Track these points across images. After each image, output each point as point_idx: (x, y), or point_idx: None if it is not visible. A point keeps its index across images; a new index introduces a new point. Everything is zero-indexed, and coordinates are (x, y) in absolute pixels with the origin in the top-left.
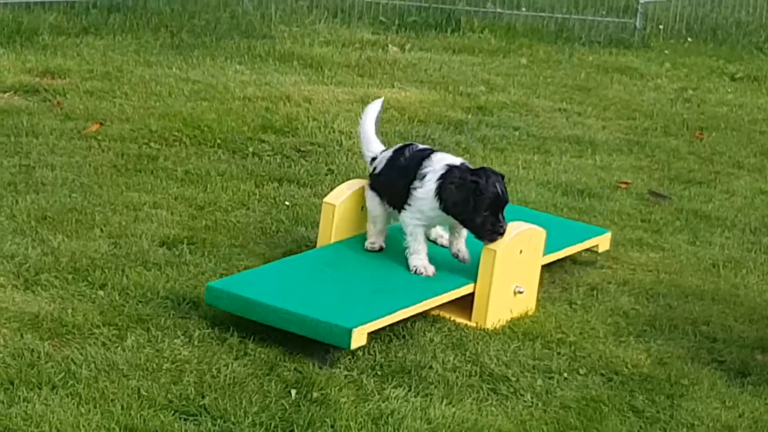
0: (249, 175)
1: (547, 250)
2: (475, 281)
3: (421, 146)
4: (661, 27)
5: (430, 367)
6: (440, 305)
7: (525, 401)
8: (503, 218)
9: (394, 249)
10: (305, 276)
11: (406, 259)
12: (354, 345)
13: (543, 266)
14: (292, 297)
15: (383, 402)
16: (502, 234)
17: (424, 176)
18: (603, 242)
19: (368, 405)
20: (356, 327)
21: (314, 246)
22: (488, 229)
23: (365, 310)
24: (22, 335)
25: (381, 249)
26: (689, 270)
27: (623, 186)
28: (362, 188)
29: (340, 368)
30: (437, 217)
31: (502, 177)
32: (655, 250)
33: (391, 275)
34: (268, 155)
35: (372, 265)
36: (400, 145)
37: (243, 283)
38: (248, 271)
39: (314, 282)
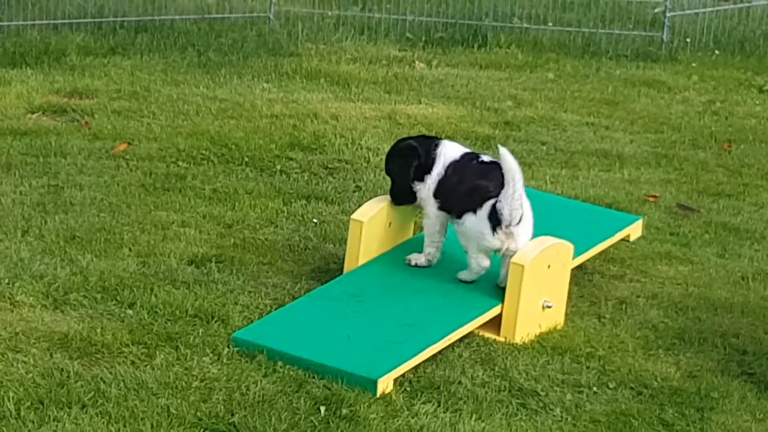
0: (277, 193)
1: (579, 247)
2: (502, 302)
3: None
4: (688, 40)
5: (459, 382)
6: None
7: (554, 416)
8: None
9: (418, 270)
10: (330, 314)
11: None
12: (380, 392)
13: (573, 272)
14: (318, 345)
15: (412, 418)
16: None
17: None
18: (635, 230)
19: (397, 421)
20: (381, 377)
21: (342, 263)
22: None
23: (391, 356)
24: (51, 355)
25: None
26: (718, 283)
27: (651, 199)
28: (390, 205)
29: None
30: None
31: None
32: (683, 263)
33: (418, 303)
34: (296, 173)
35: (398, 292)
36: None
37: (267, 332)
38: (273, 315)
39: (339, 321)
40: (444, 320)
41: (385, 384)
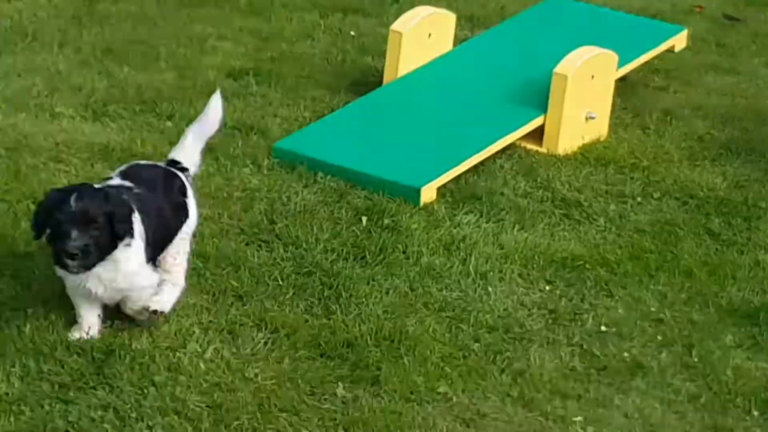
0: (313, 6)
1: (623, 58)
2: (545, 113)
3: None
4: None
5: (501, 193)
6: None
7: (598, 225)
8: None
9: (461, 77)
10: (371, 124)
11: None
12: (423, 202)
13: (617, 83)
14: (361, 154)
15: (454, 228)
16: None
17: None
18: (679, 41)
19: (439, 231)
20: (425, 185)
21: (381, 75)
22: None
23: (433, 165)
24: (92, 165)
25: None
26: (766, 93)
27: (697, 9)
28: (431, 15)
29: None
30: None
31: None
32: (730, 73)
33: (460, 114)
34: None
35: (439, 104)
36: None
37: (310, 141)
38: (313, 125)
39: (381, 133)
40: (486, 131)
41: (428, 193)
